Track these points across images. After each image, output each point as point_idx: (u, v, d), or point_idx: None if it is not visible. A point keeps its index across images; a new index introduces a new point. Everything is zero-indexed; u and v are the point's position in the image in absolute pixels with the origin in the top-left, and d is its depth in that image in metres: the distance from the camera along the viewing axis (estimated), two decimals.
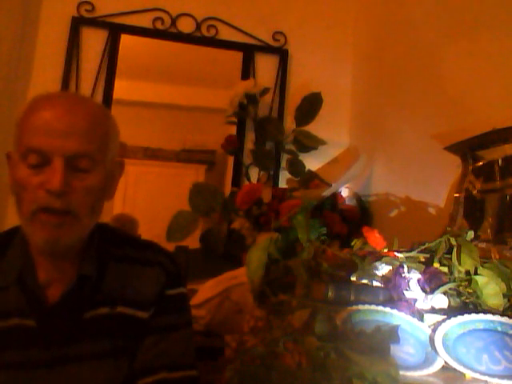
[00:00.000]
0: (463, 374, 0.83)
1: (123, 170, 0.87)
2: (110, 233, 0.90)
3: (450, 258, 1.02)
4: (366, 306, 0.94)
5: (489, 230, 1.19)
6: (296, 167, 1.96)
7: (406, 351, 0.87)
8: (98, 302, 0.82)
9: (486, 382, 0.81)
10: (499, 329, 0.89)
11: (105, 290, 0.83)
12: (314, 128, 1.95)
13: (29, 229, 0.76)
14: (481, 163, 1.27)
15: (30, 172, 0.74)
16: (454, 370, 0.83)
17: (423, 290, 0.98)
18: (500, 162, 1.21)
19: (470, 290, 0.97)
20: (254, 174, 1.98)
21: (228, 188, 1.95)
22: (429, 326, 0.92)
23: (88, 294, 0.82)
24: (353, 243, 1.17)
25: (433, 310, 0.96)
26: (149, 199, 2.00)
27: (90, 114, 0.78)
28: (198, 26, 2.05)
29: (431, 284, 0.98)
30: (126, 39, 1.98)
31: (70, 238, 0.77)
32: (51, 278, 0.81)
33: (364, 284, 1.02)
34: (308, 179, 1.87)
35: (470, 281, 0.98)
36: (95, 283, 0.83)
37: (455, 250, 1.02)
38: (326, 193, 1.77)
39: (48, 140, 0.73)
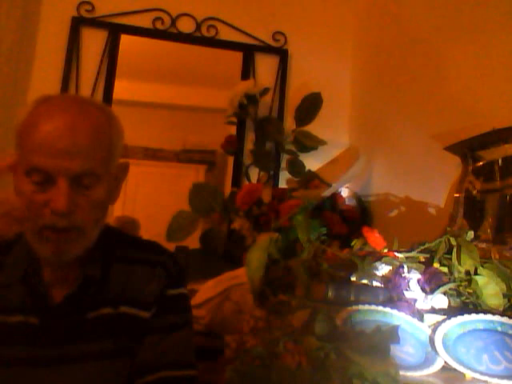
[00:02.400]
0: (463, 374, 0.83)
1: (127, 172, 0.87)
2: (113, 234, 0.90)
3: (450, 258, 1.02)
4: (366, 306, 0.94)
5: (489, 230, 1.19)
6: (296, 167, 1.96)
7: (405, 351, 0.87)
8: (101, 302, 0.83)
9: (486, 382, 0.81)
10: (499, 329, 0.89)
11: (108, 291, 0.84)
12: (314, 128, 1.95)
13: (34, 242, 0.77)
14: (481, 163, 1.27)
15: (34, 189, 0.74)
16: (454, 370, 0.83)
17: (423, 290, 0.98)
18: (500, 162, 1.21)
19: (470, 290, 0.98)
20: (254, 174, 1.98)
21: (228, 188, 1.95)
22: (429, 326, 0.92)
23: (92, 295, 0.82)
24: (353, 243, 1.17)
25: (433, 310, 0.96)
26: (149, 199, 2.00)
27: (93, 128, 0.75)
28: (198, 26, 2.05)
29: (431, 284, 0.98)
30: (125, 39, 1.98)
31: (75, 251, 0.78)
32: (56, 278, 0.81)
33: (364, 284, 1.02)
34: (308, 179, 1.87)
35: (470, 281, 0.98)
36: (99, 284, 0.83)
37: (455, 250, 1.02)
38: (326, 193, 1.77)
39: (51, 160, 0.72)
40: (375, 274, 1.03)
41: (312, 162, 1.98)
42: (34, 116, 0.75)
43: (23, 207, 0.76)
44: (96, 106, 0.81)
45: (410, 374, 0.82)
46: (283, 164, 2.01)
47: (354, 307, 0.94)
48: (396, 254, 1.06)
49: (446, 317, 0.92)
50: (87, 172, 0.74)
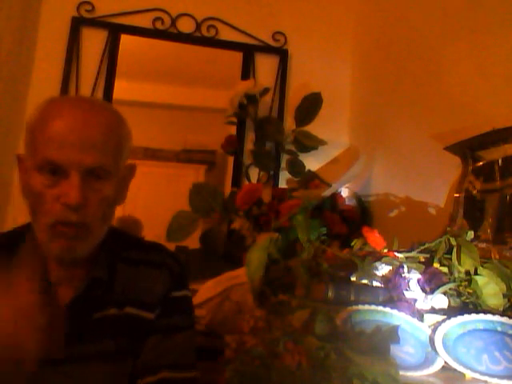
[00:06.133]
0: (463, 374, 0.83)
1: (134, 173, 0.89)
2: (118, 235, 0.91)
3: (450, 258, 1.02)
4: (366, 306, 0.94)
5: (489, 230, 1.19)
6: (296, 167, 1.96)
7: (405, 351, 0.87)
8: (107, 302, 0.83)
9: (486, 382, 0.81)
10: (499, 329, 0.88)
11: (114, 292, 0.84)
12: (314, 128, 1.95)
13: (45, 239, 0.77)
14: (481, 163, 1.27)
15: (45, 183, 0.75)
16: (454, 370, 0.83)
17: (423, 290, 0.98)
18: (500, 162, 1.21)
19: (470, 290, 0.98)
20: (254, 174, 1.98)
21: (228, 188, 1.95)
22: (429, 326, 0.92)
23: (98, 296, 0.82)
24: (353, 243, 1.17)
25: (433, 310, 0.96)
26: (149, 199, 2.00)
27: (104, 125, 0.78)
28: (198, 26, 2.05)
29: (431, 284, 0.98)
30: (125, 39, 1.98)
31: (83, 249, 0.78)
32: (62, 279, 0.82)
33: (364, 284, 1.02)
34: (308, 179, 1.87)
35: (469, 281, 0.98)
36: (105, 285, 0.83)
37: (455, 250, 1.02)
38: (326, 193, 1.77)
39: (64, 154, 0.73)
40: (375, 274, 1.03)
41: (312, 162, 1.98)
42: (47, 112, 0.77)
43: (33, 204, 0.76)
44: (106, 105, 0.84)
45: (410, 373, 0.82)
46: (283, 164, 2.01)
47: (354, 307, 0.94)
48: (396, 254, 1.06)
49: (445, 317, 0.92)
50: (99, 167, 0.76)
